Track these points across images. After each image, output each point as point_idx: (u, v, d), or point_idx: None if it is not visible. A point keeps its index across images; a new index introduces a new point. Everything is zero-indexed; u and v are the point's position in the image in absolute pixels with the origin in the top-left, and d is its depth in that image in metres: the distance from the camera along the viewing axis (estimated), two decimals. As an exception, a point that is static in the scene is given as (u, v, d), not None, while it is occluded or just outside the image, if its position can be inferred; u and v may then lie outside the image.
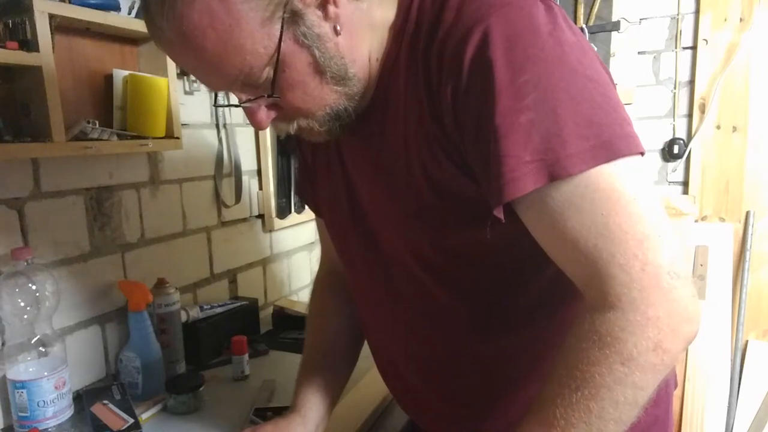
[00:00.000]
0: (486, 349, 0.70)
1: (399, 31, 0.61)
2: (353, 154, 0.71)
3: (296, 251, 1.75)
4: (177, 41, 0.56)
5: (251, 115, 0.62)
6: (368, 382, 1.05)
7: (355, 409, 0.97)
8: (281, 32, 0.55)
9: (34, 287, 0.91)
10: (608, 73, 0.57)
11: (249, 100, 0.60)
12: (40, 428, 0.89)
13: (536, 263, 0.62)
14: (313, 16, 0.56)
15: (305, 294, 1.80)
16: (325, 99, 0.61)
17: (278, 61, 0.56)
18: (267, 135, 1.52)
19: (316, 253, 1.86)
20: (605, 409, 0.52)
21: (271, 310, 1.50)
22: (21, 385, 0.89)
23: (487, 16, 0.53)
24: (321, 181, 0.80)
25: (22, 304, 0.90)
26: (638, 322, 0.51)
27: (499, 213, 0.54)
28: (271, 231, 1.59)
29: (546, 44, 0.52)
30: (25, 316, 0.91)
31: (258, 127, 0.63)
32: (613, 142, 0.51)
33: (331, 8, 0.57)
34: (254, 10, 0.53)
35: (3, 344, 0.93)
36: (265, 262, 1.60)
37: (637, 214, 0.51)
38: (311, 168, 0.83)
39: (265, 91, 0.58)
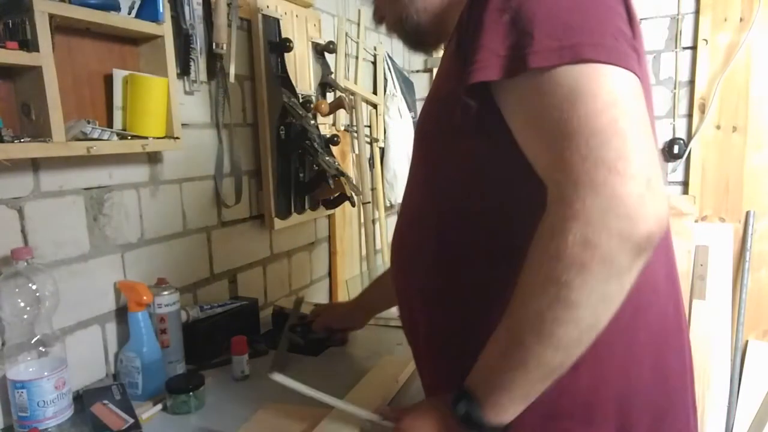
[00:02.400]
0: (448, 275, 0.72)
1: None
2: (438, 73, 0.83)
3: (296, 251, 1.75)
4: None
5: (373, 15, 0.86)
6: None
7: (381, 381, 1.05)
8: None
9: (34, 287, 0.91)
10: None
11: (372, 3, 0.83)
12: (40, 428, 0.89)
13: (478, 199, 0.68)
14: None
15: (305, 294, 1.80)
16: (392, 4, 0.79)
17: None
18: (267, 135, 1.52)
19: (316, 253, 1.86)
20: (541, 308, 0.54)
21: (271, 310, 1.50)
22: (21, 385, 0.89)
23: None
24: None
25: (22, 304, 0.90)
26: (566, 217, 0.52)
27: (467, 97, 0.61)
28: (271, 231, 1.59)
29: None
30: (25, 316, 0.91)
31: (375, 22, 0.86)
32: (581, 46, 0.54)
33: None
34: None
35: (3, 344, 0.93)
36: (265, 262, 1.60)
37: (593, 112, 0.52)
38: None
39: None
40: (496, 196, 0.67)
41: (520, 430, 0.63)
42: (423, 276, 0.75)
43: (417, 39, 0.82)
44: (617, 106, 0.53)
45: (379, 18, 0.84)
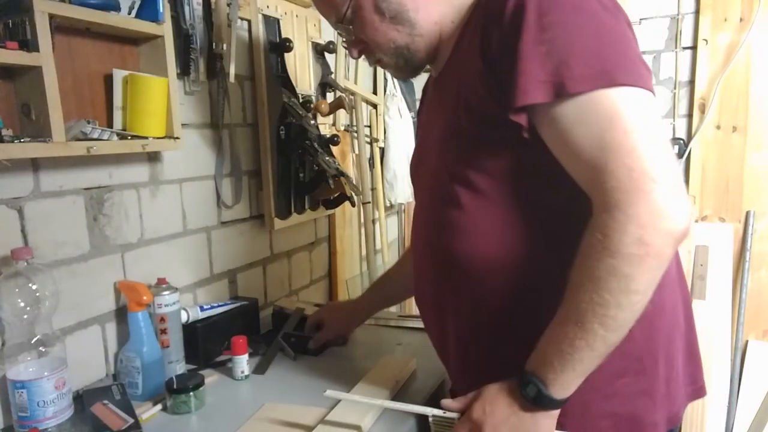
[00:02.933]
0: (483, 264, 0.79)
1: (476, 6, 0.79)
2: (430, 100, 0.93)
3: (296, 251, 1.75)
4: None
5: (348, 49, 0.89)
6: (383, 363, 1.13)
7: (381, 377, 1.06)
8: None
9: (34, 287, 0.91)
10: (628, 25, 0.71)
11: (344, 36, 0.86)
12: (40, 428, 0.89)
13: (527, 202, 0.76)
14: None
15: (305, 294, 1.80)
16: (388, 35, 0.82)
17: (352, 2, 0.80)
18: (267, 135, 1.52)
19: (316, 253, 1.86)
20: (603, 297, 0.64)
21: (271, 310, 1.50)
22: (21, 385, 0.89)
23: None
24: (417, 130, 1.05)
25: (22, 304, 0.90)
26: (622, 220, 0.62)
27: (515, 117, 0.69)
28: (271, 231, 1.59)
29: None
30: (25, 316, 0.91)
31: (352, 57, 0.89)
32: (614, 72, 0.64)
33: None
34: None
35: (3, 344, 0.93)
36: (265, 262, 1.60)
37: (630, 129, 0.63)
38: (418, 122, 1.06)
39: (347, 24, 0.82)
40: (532, 203, 0.76)
41: (588, 393, 0.73)
42: (453, 283, 0.83)
43: (415, 66, 0.87)
44: (647, 124, 0.64)
45: (375, 60, 0.87)
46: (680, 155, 2.24)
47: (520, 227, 0.76)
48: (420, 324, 1.39)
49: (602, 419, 0.78)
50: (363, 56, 0.89)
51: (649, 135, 0.63)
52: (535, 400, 0.70)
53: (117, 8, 1.02)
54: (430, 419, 0.80)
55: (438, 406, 0.80)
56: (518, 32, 0.67)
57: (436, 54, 0.85)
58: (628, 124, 0.63)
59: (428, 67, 0.91)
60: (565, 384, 0.69)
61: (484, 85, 0.73)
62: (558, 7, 0.67)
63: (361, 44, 0.86)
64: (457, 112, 0.78)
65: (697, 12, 2.16)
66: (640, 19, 2.24)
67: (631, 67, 0.66)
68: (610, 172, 0.63)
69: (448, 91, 0.81)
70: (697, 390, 0.90)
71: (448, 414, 0.79)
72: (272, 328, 1.40)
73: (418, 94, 2.57)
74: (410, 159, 1.01)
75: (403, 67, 0.86)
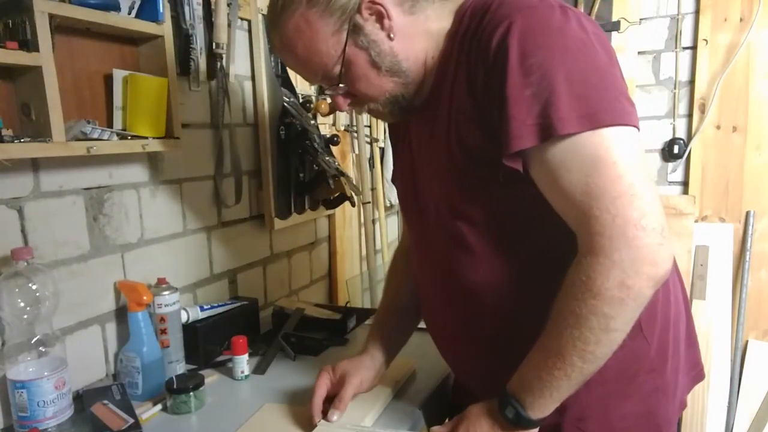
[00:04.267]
0: (497, 294, 0.81)
1: (453, 35, 0.78)
2: (416, 133, 0.89)
3: (296, 251, 1.75)
4: (280, 47, 0.81)
5: (333, 100, 0.84)
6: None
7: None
8: (346, 39, 0.76)
9: (34, 287, 0.91)
10: (613, 60, 0.71)
11: (331, 90, 0.82)
12: (40, 428, 0.89)
13: (527, 235, 0.78)
14: (370, 26, 0.76)
15: (305, 294, 1.80)
16: (383, 87, 0.80)
17: (344, 60, 0.77)
18: (267, 135, 1.52)
19: (316, 253, 1.86)
20: (584, 334, 0.68)
21: (271, 310, 1.50)
22: (21, 385, 0.89)
23: (511, 15, 0.69)
24: (397, 158, 1.02)
25: (22, 304, 0.90)
26: (606, 265, 0.65)
27: (510, 162, 0.69)
28: (271, 231, 1.59)
29: (552, 37, 0.67)
30: (25, 316, 0.91)
31: (338, 109, 0.85)
32: (598, 113, 0.65)
33: (386, 21, 0.76)
34: (327, 25, 0.75)
35: (3, 344, 0.93)
36: (265, 262, 1.60)
37: (615, 176, 0.65)
38: (395, 150, 1.04)
39: (338, 82, 0.80)
40: (532, 235, 0.78)
41: (606, 397, 0.80)
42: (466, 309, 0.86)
43: (409, 110, 0.85)
44: (631, 167, 0.65)
45: (365, 110, 0.86)
46: (680, 155, 2.25)
47: (522, 259, 0.79)
48: (420, 324, 1.39)
49: (621, 421, 0.82)
50: (351, 107, 0.86)
51: (633, 180, 0.65)
52: (514, 421, 0.75)
53: (117, 8, 1.02)
54: None
55: (435, 415, 0.83)
56: (503, 76, 0.67)
57: (418, 87, 0.84)
58: (613, 169, 0.65)
59: None
60: (542, 407, 0.73)
61: (478, 126, 0.74)
62: (541, 48, 0.67)
63: (350, 97, 0.83)
64: (451, 150, 0.78)
65: (697, 12, 2.16)
66: (640, 19, 2.24)
67: (615, 106, 0.66)
68: (595, 218, 0.65)
69: (437, 125, 0.81)
70: (698, 374, 0.94)
71: None
72: (272, 328, 1.40)
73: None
74: (397, 189, 1.00)
75: (397, 112, 0.85)
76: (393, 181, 1.06)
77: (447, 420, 0.86)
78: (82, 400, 0.99)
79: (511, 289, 0.80)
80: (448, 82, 0.78)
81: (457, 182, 0.80)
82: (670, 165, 2.29)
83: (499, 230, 0.79)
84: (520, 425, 0.75)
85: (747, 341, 2.23)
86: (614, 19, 2.23)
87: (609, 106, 0.66)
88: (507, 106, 0.67)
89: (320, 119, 1.74)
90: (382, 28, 0.77)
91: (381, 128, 2.24)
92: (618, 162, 0.65)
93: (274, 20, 0.79)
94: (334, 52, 0.77)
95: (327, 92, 0.83)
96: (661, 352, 0.83)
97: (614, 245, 0.64)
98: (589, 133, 0.65)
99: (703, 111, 2.19)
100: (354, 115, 1.98)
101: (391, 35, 0.77)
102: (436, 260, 0.88)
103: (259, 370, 1.16)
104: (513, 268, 0.79)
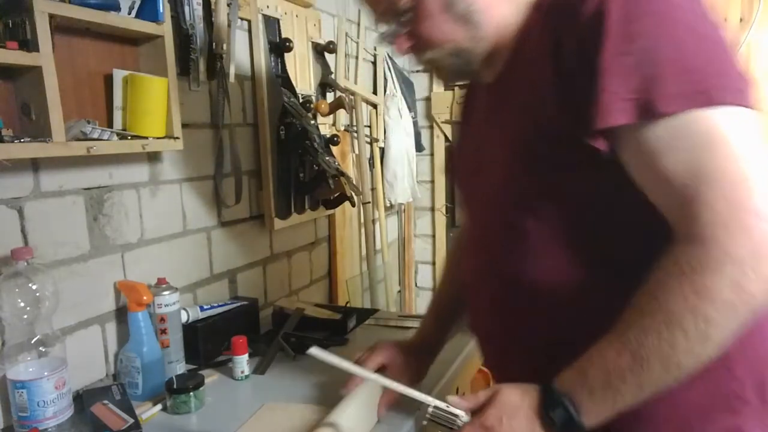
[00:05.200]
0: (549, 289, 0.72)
1: (539, 5, 0.70)
2: (485, 111, 0.81)
3: (296, 251, 1.75)
4: None
5: (394, 41, 0.75)
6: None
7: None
8: None
9: (34, 287, 0.91)
10: (722, 31, 0.61)
11: (392, 27, 0.74)
12: (40, 428, 0.89)
13: (602, 233, 0.67)
14: None
15: (305, 294, 1.80)
16: (450, 34, 0.72)
17: None
18: (267, 135, 1.52)
19: (316, 252, 1.86)
20: (676, 338, 0.56)
21: (271, 310, 1.50)
22: (21, 385, 0.89)
23: None
24: (462, 139, 0.92)
25: (22, 304, 0.90)
26: (718, 258, 0.54)
27: (593, 142, 0.61)
28: (271, 231, 1.59)
29: (661, 2, 0.59)
30: (25, 316, 0.91)
31: (398, 51, 0.76)
32: (712, 90, 0.56)
33: None
34: None
35: (3, 344, 0.93)
36: (265, 262, 1.60)
37: (732, 157, 0.55)
38: (461, 130, 0.94)
39: (402, 18, 0.72)
40: (602, 229, 0.68)
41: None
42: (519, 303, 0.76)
43: (471, 71, 0.77)
44: (751, 150, 0.56)
45: (425, 60, 0.77)
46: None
47: (588, 253, 0.69)
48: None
49: None
50: (410, 53, 0.77)
51: (753, 164, 0.55)
52: (563, 426, 0.63)
53: (117, 8, 1.02)
54: (430, 410, 0.73)
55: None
56: (598, 41, 0.58)
57: (491, 58, 0.76)
58: (731, 150, 0.56)
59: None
60: (597, 414, 0.62)
61: (556, 102, 0.64)
62: (648, 13, 0.58)
63: (413, 39, 0.74)
64: (523, 131, 0.70)
65: (697, 12, 2.16)
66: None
67: (731, 84, 0.58)
68: (705, 203, 0.55)
69: (509, 104, 0.73)
70: None
71: (452, 409, 0.71)
72: (272, 328, 1.40)
73: (419, 94, 2.57)
74: (456, 169, 0.92)
75: (458, 71, 0.77)
76: (452, 166, 1.00)
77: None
78: (82, 400, 0.99)
79: (575, 294, 0.69)
80: (526, 56, 0.70)
81: (525, 166, 0.70)
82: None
83: (569, 225, 0.69)
84: (567, 430, 0.63)
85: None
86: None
87: (724, 83, 0.57)
88: (599, 75, 0.58)
89: (320, 119, 1.74)
90: None
91: (381, 128, 2.24)
92: (736, 141, 0.56)
93: None
94: None
95: (386, 31, 0.74)
96: (752, 388, 0.67)
97: (732, 236, 0.54)
98: (701, 112, 0.56)
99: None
100: (354, 115, 1.98)
101: None
102: (492, 259, 0.78)
103: (259, 370, 1.16)
104: (580, 272, 0.69)
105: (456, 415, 0.71)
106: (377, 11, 0.76)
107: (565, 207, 0.69)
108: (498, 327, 0.81)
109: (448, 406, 0.72)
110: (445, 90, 2.54)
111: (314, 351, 0.77)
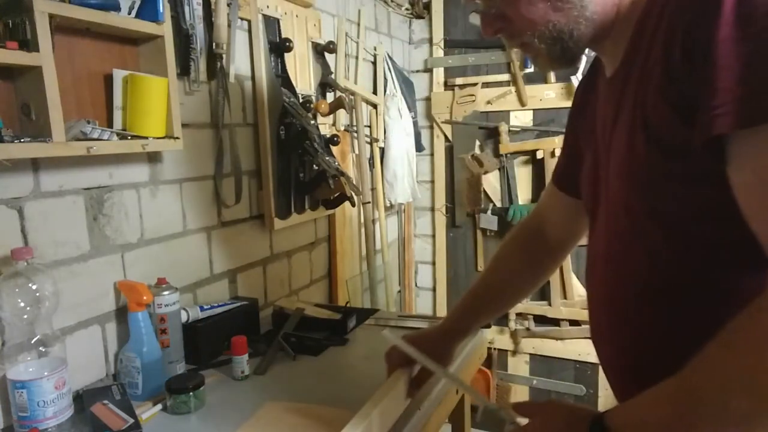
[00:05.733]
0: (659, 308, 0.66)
1: None
2: (603, 113, 0.70)
3: (296, 251, 1.75)
4: None
5: (482, 21, 0.66)
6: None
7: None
8: None
9: (34, 287, 0.91)
10: None
11: (481, 7, 0.65)
12: (40, 428, 0.89)
13: (720, 257, 0.59)
14: None
15: (305, 294, 1.80)
16: (548, 15, 0.62)
17: None
18: (267, 135, 1.52)
19: (316, 253, 1.86)
20: (756, 409, 0.46)
21: (271, 310, 1.50)
22: (21, 385, 0.89)
23: None
24: (585, 145, 0.81)
25: (22, 304, 0.90)
26: None
27: (708, 148, 0.51)
28: (271, 231, 1.59)
29: None
30: (25, 316, 0.91)
31: (484, 34, 0.67)
32: None
33: None
34: None
35: (3, 344, 0.93)
36: (265, 262, 1.60)
37: None
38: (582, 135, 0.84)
39: None
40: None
41: None
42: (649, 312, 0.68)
43: (574, 56, 0.67)
44: None
45: (518, 44, 0.68)
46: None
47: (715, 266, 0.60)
48: (421, 323, 1.40)
49: None
50: (500, 35, 0.68)
51: None
52: None
53: (117, 8, 1.02)
54: (481, 409, 0.76)
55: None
56: (710, 26, 0.49)
57: (605, 43, 0.66)
58: None
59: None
60: None
61: (666, 99, 0.55)
62: None
63: (502, 21, 0.65)
64: (633, 134, 0.61)
65: (697, 12, 2.16)
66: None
67: None
68: None
69: (625, 101, 0.63)
70: None
71: (502, 413, 0.72)
72: (272, 328, 1.40)
73: (419, 94, 2.57)
74: (584, 173, 0.81)
75: (559, 56, 0.66)
76: (562, 173, 0.92)
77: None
78: (82, 400, 0.99)
79: (700, 303, 0.62)
80: (645, 42, 0.59)
81: (635, 179, 0.62)
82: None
83: (680, 247, 0.60)
84: None
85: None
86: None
87: None
88: (711, 69, 0.48)
89: (320, 119, 1.74)
90: None
91: (381, 128, 2.24)
92: None
93: None
94: None
95: (476, 10, 0.66)
96: None
97: None
98: None
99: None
100: (354, 115, 1.98)
101: None
102: (624, 270, 0.70)
103: (259, 370, 1.16)
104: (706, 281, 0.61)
105: (504, 420, 0.72)
106: None
107: (678, 225, 0.61)
108: (629, 336, 0.72)
109: (499, 410, 0.73)
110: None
111: (387, 333, 0.80)
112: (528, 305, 2.40)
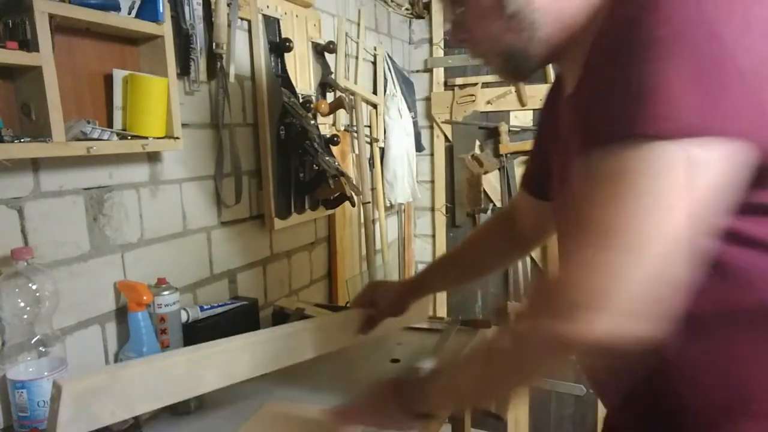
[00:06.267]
0: None
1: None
2: (565, 116, 0.71)
3: (296, 251, 1.75)
4: None
5: (450, 31, 0.73)
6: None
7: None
8: None
9: (34, 287, 0.91)
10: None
11: (449, 14, 0.70)
12: (40, 428, 0.89)
13: None
14: None
15: (305, 294, 1.80)
16: (502, 34, 0.66)
17: None
18: (267, 135, 1.52)
19: (316, 253, 1.86)
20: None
21: (271, 310, 1.50)
22: (21, 385, 0.89)
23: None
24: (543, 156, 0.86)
25: (22, 304, 0.90)
26: (536, 334, 0.58)
27: None
28: (271, 231, 1.59)
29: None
30: (25, 316, 0.91)
31: (451, 42, 0.81)
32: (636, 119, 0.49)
33: None
34: None
35: (3, 344, 0.93)
36: (265, 262, 1.60)
37: (621, 216, 0.50)
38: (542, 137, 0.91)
39: (458, 11, 0.69)
40: None
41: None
42: None
43: (526, 73, 0.70)
44: (656, 203, 0.50)
45: (478, 56, 0.72)
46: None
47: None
48: (422, 324, 1.39)
49: None
50: (464, 47, 0.73)
51: (638, 229, 0.51)
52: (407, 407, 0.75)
53: (117, 8, 1.02)
54: None
55: None
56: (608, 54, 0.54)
57: (563, 62, 0.69)
58: (621, 203, 0.52)
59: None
60: (438, 408, 0.76)
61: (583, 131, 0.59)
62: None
63: (465, 33, 0.70)
64: (578, 153, 0.62)
65: (697, 12, 2.16)
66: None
67: (664, 113, 0.50)
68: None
69: (576, 121, 0.64)
70: None
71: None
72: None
73: (419, 94, 2.57)
74: (552, 184, 0.83)
75: (512, 72, 0.71)
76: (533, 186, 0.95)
77: None
78: (82, 400, 0.99)
79: None
80: (594, 62, 0.60)
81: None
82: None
83: None
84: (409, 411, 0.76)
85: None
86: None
87: (656, 113, 0.51)
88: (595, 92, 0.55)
89: (320, 119, 1.74)
90: None
91: (381, 128, 2.24)
92: (641, 195, 0.52)
93: None
94: None
95: (446, 20, 0.78)
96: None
97: (552, 320, 0.58)
98: (621, 145, 0.52)
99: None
100: (354, 115, 1.98)
101: None
102: None
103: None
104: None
105: None
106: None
107: None
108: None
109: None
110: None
111: None
112: (528, 305, 2.39)
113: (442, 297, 2.65)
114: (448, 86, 2.50)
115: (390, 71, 2.29)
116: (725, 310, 0.58)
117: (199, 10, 1.28)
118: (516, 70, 0.70)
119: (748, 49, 0.48)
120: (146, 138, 1.07)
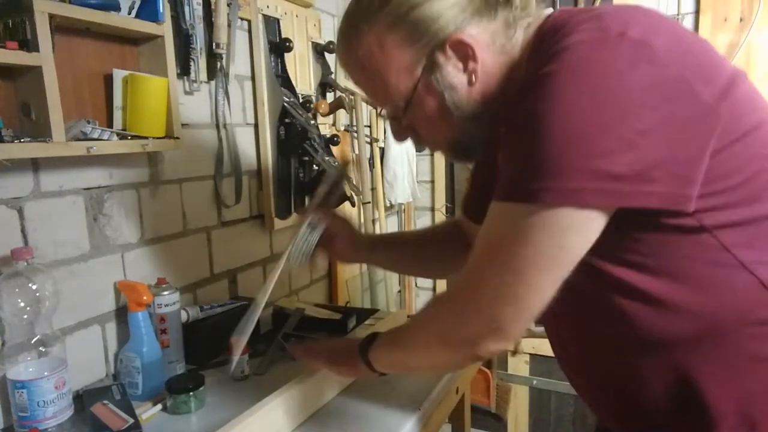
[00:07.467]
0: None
1: (534, 50, 0.67)
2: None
3: (296, 251, 1.75)
4: (348, 66, 0.74)
5: (392, 130, 0.79)
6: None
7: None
8: (419, 78, 0.68)
9: (34, 287, 0.91)
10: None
11: (391, 121, 0.77)
12: (40, 428, 0.89)
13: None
14: (451, 68, 0.67)
15: (305, 294, 1.80)
16: (448, 133, 0.73)
17: (411, 99, 0.70)
18: (267, 135, 1.52)
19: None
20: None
21: (271, 310, 1.50)
22: (21, 385, 0.89)
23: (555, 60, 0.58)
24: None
25: (22, 304, 0.90)
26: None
27: None
28: (271, 231, 1.59)
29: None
30: (25, 316, 0.91)
31: (396, 140, 0.80)
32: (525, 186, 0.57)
33: (471, 64, 0.67)
34: (403, 56, 0.67)
35: (3, 344, 0.93)
36: (265, 262, 1.60)
37: (490, 264, 0.62)
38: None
39: (400, 116, 0.73)
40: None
41: None
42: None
43: (472, 151, 0.78)
44: (518, 263, 0.61)
45: (425, 147, 0.84)
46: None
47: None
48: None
49: None
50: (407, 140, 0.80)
51: (500, 278, 0.62)
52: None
53: (117, 8, 1.02)
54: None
55: None
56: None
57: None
58: (493, 255, 0.64)
59: None
60: (383, 368, 0.85)
61: None
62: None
63: (410, 132, 0.76)
64: None
65: (697, 12, 2.16)
66: (640, 19, 2.24)
67: (552, 185, 0.58)
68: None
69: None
70: None
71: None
72: (272, 328, 1.40)
73: (418, 94, 2.57)
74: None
75: (462, 156, 0.80)
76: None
77: None
78: (82, 400, 0.99)
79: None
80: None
81: None
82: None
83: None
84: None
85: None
86: (614, 19, 2.22)
87: (542, 181, 0.59)
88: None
89: (320, 119, 1.74)
90: (465, 70, 0.67)
91: (381, 128, 2.24)
92: (510, 253, 0.63)
93: (347, 30, 0.71)
94: (403, 88, 0.69)
95: (390, 120, 0.77)
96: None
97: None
98: (505, 204, 0.63)
99: (703, 111, 2.19)
100: (354, 115, 1.98)
101: (473, 79, 0.67)
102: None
103: (259, 370, 1.16)
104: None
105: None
106: (376, 104, 0.77)
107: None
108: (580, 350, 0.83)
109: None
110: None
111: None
112: (528, 305, 2.39)
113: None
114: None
115: (390, 71, 2.28)
116: (661, 337, 0.64)
117: (199, 10, 1.28)
118: (465, 153, 0.78)
119: (634, 122, 0.55)
120: (146, 138, 1.07)
